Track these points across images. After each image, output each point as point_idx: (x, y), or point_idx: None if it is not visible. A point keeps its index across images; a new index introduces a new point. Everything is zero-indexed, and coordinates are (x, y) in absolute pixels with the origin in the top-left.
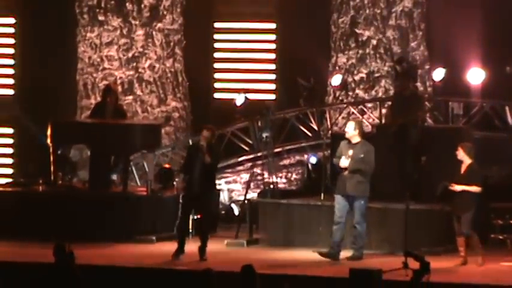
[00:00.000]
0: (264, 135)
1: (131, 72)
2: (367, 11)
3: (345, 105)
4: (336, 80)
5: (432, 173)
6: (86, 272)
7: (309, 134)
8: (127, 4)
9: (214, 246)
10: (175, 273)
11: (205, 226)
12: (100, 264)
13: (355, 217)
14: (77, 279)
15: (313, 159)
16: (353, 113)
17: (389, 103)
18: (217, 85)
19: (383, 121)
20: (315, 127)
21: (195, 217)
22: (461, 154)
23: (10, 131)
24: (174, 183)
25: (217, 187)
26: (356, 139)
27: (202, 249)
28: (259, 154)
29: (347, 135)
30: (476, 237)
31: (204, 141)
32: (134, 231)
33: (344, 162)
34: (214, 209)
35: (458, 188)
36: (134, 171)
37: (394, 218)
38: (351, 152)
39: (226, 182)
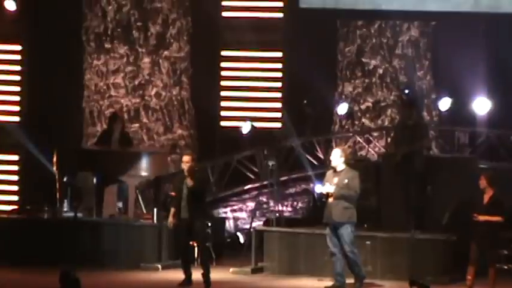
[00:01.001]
0: (270, 163)
1: (137, 100)
2: (374, 40)
3: (350, 134)
4: (342, 108)
5: (438, 202)
6: None
7: (315, 162)
8: (133, 32)
9: (219, 274)
10: None
11: (202, 253)
12: None
13: (345, 246)
14: None
15: (318, 188)
16: (359, 141)
17: (394, 132)
18: (223, 113)
19: (388, 150)
20: (321, 156)
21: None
22: (484, 183)
23: (15, 157)
24: None
25: (223, 215)
26: (341, 166)
27: (205, 276)
28: (265, 182)
29: (332, 164)
30: (495, 271)
31: (184, 166)
32: (139, 259)
33: (328, 188)
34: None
35: (481, 218)
36: (140, 199)
37: (399, 247)
38: (336, 180)
39: (232, 210)
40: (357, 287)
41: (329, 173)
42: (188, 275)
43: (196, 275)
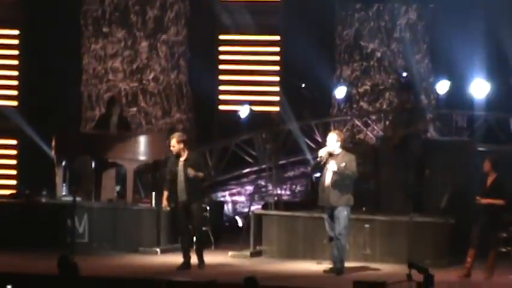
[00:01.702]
0: (268, 147)
1: (135, 84)
2: (372, 24)
3: (348, 118)
4: (340, 92)
5: (436, 185)
6: (91, 283)
7: (313, 146)
8: (131, 16)
9: (218, 258)
10: (180, 284)
11: (197, 237)
12: (104, 276)
13: (337, 228)
14: None
15: (317, 172)
16: (357, 125)
17: (392, 115)
18: (221, 97)
19: (386, 133)
20: (319, 139)
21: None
22: (487, 167)
23: (14, 142)
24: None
25: (222, 199)
26: (338, 150)
27: (199, 257)
28: (263, 166)
29: (329, 148)
30: (495, 253)
31: (172, 149)
32: (138, 243)
33: (333, 165)
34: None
35: (484, 201)
36: (138, 183)
37: (398, 230)
38: (333, 163)
39: (230, 194)
40: (327, 271)
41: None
42: (187, 259)
43: (193, 259)
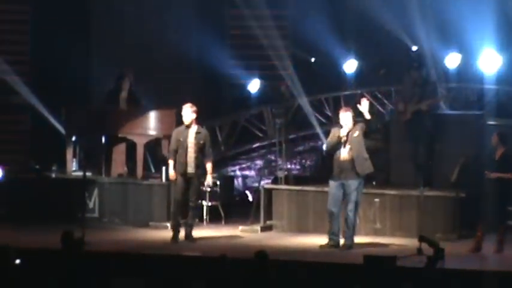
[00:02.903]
0: (278, 121)
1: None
2: None
3: (359, 92)
4: (349, 66)
5: (446, 159)
6: (97, 258)
7: (323, 120)
8: None
9: (228, 232)
10: (189, 259)
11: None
12: (110, 251)
13: (349, 205)
14: (84, 267)
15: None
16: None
17: (403, 90)
18: (231, 71)
19: (397, 108)
20: (329, 113)
21: (209, 204)
22: (495, 141)
23: (24, 117)
24: None
25: (232, 173)
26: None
27: (189, 232)
28: (273, 141)
29: (346, 130)
30: (505, 227)
31: (185, 118)
32: (148, 218)
33: (344, 131)
34: (227, 195)
35: (493, 175)
36: (149, 158)
37: (408, 204)
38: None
39: (240, 169)
40: (326, 248)
41: (335, 129)
42: (177, 233)
43: (206, 232)
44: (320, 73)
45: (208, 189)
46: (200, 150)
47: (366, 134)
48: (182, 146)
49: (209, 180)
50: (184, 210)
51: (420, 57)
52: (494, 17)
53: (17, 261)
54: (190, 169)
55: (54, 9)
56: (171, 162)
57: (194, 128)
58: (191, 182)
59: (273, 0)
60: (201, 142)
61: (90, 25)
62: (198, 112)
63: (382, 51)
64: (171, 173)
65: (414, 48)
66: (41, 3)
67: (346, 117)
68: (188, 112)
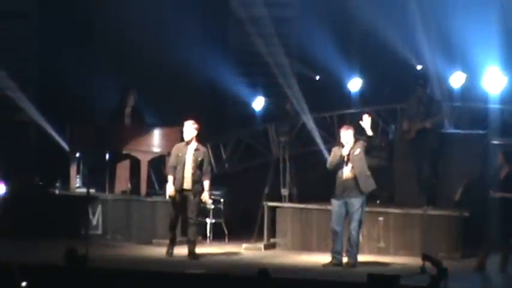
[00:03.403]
0: (282, 139)
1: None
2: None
3: (363, 110)
4: (354, 84)
5: (450, 178)
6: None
7: (329, 138)
8: None
9: (231, 249)
10: (192, 277)
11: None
12: (113, 268)
13: (352, 224)
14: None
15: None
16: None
17: (408, 108)
18: (236, 88)
19: (402, 127)
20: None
21: (213, 221)
22: (501, 160)
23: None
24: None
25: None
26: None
27: (191, 250)
28: (277, 158)
29: (348, 148)
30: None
31: (186, 134)
32: (151, 235)
33: (345, 150)
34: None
35: (497, 194)
36: (153, 175)
37: (412, 223)
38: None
39: (245, 186)
40: (329, 266)
41: (336, 148)
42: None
43: (208, 249)
44: (325, 91)
45: (212, 207)
46: (198, 167)
47: (367, 151)
48: (180, 162)
49: (206, 197)
50: (184, 227)
51: (425, 75)
52: (498, 36)
53: (23, 283)
54: (187, 185)
55: (59, 26)
56: (170, 178)
57: (194, 145)
58: (188, 198)
59: (278, 18)
60: (199, 159)
61: (95, 42)
62: (199, 129)
63: (387, 70)
64: (170, 189)
65: (419, 67)
66: (47, 20)
67: (347, 135)
68: (190, 129)
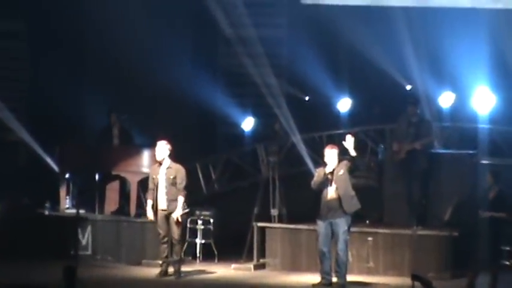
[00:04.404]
0: (271, 159)
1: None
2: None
3: (352, 130)
4: (343, 105)
5: (440, 198)
6: None
7: (318, 158)
8: None
9: (221, 270)
10: None
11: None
12: None
13: (339, 245)
14: None
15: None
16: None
17: (397, 129)
18: (224, 109)
19: (392, 147)
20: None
21: (202, 241)
22: (489, 180)
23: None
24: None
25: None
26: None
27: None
28: (266, 178)
29: (332, 167)
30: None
31: (158, 155)
32: (141, 255)
33: (329, 168)
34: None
35: (486, 214)
36: (142, 195)
37: (401, 243)
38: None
39: (233, 206)
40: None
41: (320, 169)
42: (165, 267)
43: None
44: (314, 111)
45: (202, 227)
46: (172, 185)
47: (351, 171)
48: (156, 183)
49: (177, 214)
50: (169, 247)
51: (415, 97)
52: (487, 56)
53: None
54: (162, 205)
55: (49, 46)
56: (149, 202)
57: (166, 164)
58: (170, 218)
59: (267, 39)
60: (171, 177)
61: (84, 62)
62: (170, 149)
63: (376, 90)
64: (149, 212)
65: (408, 87)
66: (36, 41)
67: (331, 154)
68: (162, 149)
